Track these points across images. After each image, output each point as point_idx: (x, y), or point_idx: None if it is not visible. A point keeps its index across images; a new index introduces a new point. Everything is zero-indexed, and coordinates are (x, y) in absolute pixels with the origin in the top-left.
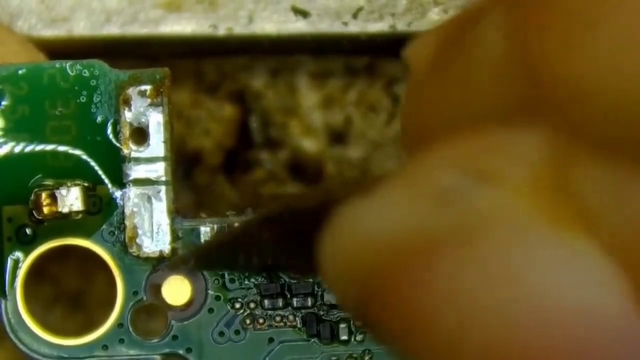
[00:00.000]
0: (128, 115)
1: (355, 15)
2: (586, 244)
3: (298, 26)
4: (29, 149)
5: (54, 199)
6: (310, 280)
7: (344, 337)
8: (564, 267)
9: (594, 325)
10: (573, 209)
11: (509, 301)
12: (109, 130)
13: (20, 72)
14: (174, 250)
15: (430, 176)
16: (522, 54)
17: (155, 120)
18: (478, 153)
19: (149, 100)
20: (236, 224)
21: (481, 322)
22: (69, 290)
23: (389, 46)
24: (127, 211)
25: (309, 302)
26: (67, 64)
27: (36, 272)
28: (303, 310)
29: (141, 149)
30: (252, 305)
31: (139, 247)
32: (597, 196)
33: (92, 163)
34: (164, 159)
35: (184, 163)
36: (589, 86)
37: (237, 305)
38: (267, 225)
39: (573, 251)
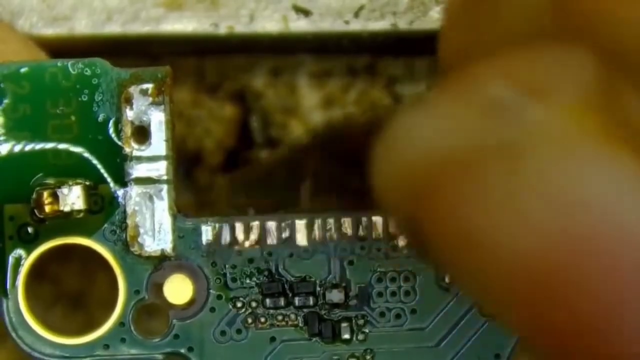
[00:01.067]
0: (130, 113)
1: (356, 14)
2: (634, 163)
3: (299, 25)
4: (30, 147)
5: (55, 197)
6: (312, 279)
7: (346, 336)
8: (611, 184)
9: (631, 244)
10: (621, 129)
11: (552, 213)
12: (111, 128)
13: (21, 70)
14: (175, 249)
15: (481, 88)
16: None
17: (157, 119)
18: (528, 67)
19: (150, 99)
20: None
21: (524, 233)
22: (69, 290)
23: (391, 45)
24: (129, 210)
25: (311, 301)
26: (69, 63)
27: (37, 272)
28: (305, 310)
29: (143, 147)
30: (253, 304)
31: (141, 246)
32: None
33: (94, 162)
34: (166, 157)
35: (185, 163)
36: (627, 20)
37: (239, 304)
38: (318, 147)
39: (621, 169)
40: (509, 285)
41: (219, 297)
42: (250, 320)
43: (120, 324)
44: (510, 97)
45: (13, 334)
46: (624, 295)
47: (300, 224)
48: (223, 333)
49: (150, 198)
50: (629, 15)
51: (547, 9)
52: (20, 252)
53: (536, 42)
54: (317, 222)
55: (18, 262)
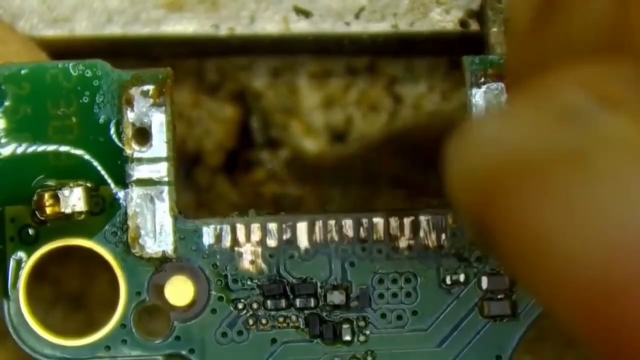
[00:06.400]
0: (130, 115)
1: (357, 16)
2: None
3: (300, 26)
4: (31, 149)
5: (56, 199)
6: (314, 281)
7: (347, 338)
8: None
9: None
10: None
11: (617, 225)
12: (112, 130)
13: (22, 72)
14: (176, 251)
15: (556, 95)
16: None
17: (158, 121)
18: (601, 78)
19: (151, 101)
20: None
21: (587, 240)
22: (70, 291)
23: (391, 46)
24: (130, 211)
25: (312, 302)
26: (70, 64)
27: (38, 273)
28: (306, 311)
29: (144, 149)
30: (254, 305)
31: (142, 247)
32: None
33: (95, 163)
34: (167, 159)
35: (185, 163)
36: None
37: (240, 306)
38: (390, 145)
39: None
40: (572, 293)
41: (220, 298)
42: (251, 322)
43: (122, 325)
44: (584, 105)
45: (14, 335)
46: None
47: (302, 226)
48: (224, 334)
49: (151, 199)
50: None
51: (612, 22)
52: (21, 253)
53: (603, 54)
54: (318, 224)
55: (19, 263)
